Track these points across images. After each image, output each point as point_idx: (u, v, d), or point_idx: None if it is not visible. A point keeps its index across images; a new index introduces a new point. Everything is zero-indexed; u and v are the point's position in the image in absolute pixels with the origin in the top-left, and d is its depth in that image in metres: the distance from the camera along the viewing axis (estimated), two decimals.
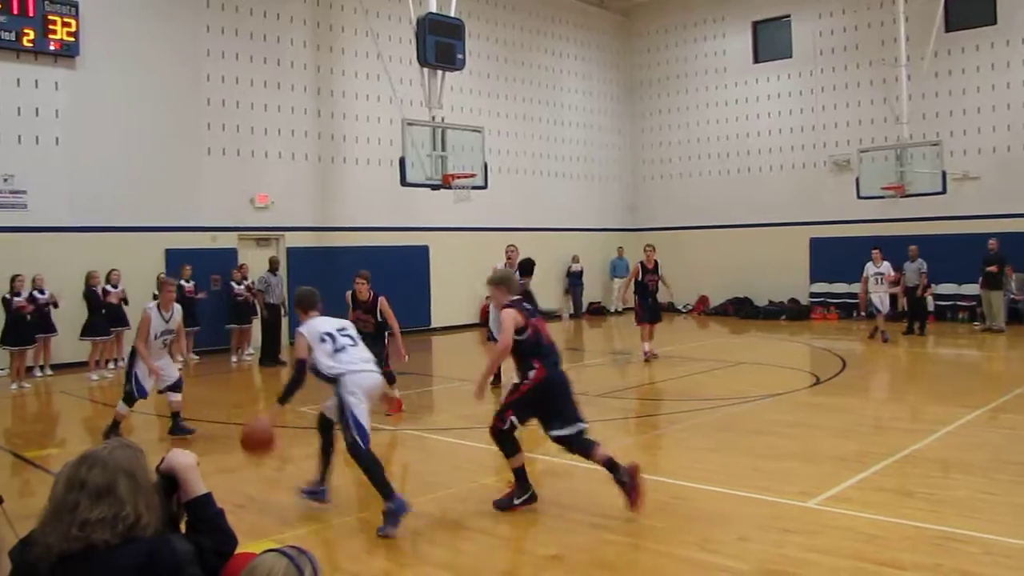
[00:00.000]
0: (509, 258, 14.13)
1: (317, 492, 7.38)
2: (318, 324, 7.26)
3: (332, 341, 7.13)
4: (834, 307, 23.68)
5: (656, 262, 16.46)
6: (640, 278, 16.43)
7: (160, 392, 10.63)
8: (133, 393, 10.24)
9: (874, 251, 19.10)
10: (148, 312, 10.34)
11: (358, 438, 6.76)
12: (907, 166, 21.06)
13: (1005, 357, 17.00)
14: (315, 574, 2.40)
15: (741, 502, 7.15)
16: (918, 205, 21.34)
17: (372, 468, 6.75)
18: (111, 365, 16.13)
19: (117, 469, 2.55)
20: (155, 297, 13.07)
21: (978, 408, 10.60)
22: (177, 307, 10.67)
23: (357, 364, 7.06)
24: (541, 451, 9.07)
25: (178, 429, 10.54)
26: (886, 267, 18.86)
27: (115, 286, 16.07)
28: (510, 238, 23.65)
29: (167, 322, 10.45)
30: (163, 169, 17.91)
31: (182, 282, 16.97)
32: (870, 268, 19.00)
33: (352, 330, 7.44)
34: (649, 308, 16.35)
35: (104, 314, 15.83)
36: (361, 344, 7.33)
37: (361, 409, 6.87)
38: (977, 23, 22.18)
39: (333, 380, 7.00)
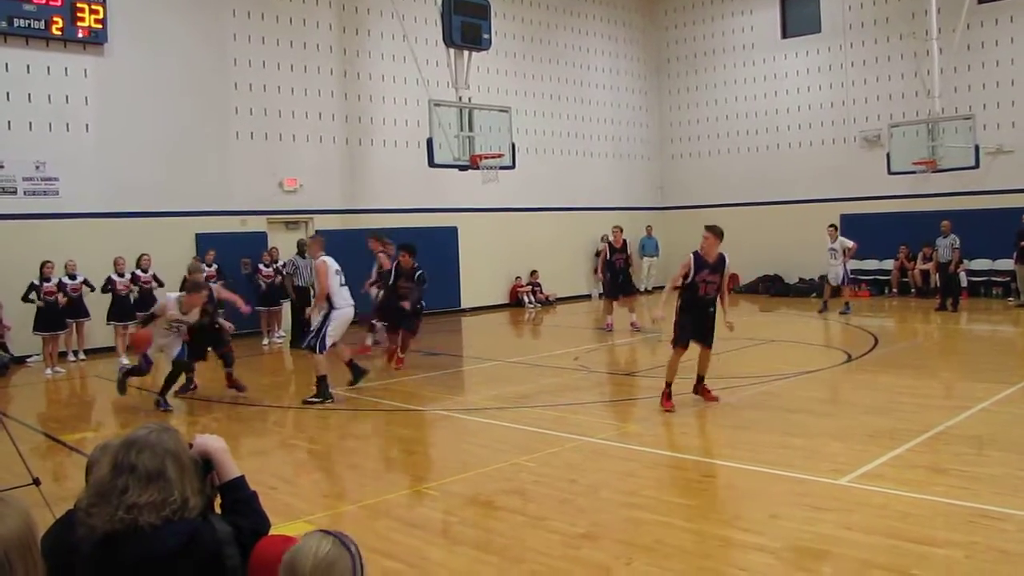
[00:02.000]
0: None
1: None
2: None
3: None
4: (865, 284, 23.48)
5: (624, 241, 17.55)
6: (609, 257, 17.38)
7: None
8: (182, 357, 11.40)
9: (828, 228, 20.02)
10: (168, 302, 11.22)
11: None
12: (939, 140, 20.77)
13: None
14: (359, 555, 2.42)
15: (772, 480, 7.13)
16: (950, 180, 21.07)
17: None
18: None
19: (165, 453, 2.58)
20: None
21: (1013, 385, 10.48)
22: (197, 310, 11.30)
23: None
24: (573, 431, 9.09)
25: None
26: (840, 243, 19.58)
27: (145, 271, 16.17)
28: (538, 218, 23.82)
29: (184, 314, 11.19)
30: (192, 154, 18.02)
31: (204, 266, 17.12)
32: (828, 243, 19.87)
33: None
34: (618, 284, 17.41)
35: (128, 299, 15.88)
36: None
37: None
38: None
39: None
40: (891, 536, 5.65)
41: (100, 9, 16.59)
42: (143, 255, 16.25)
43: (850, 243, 19.64)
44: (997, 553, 5.34)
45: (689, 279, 10.08)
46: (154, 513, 2.49)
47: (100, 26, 16.62)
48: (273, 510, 3.01)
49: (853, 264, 23.50)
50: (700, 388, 10.39)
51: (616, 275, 17.34)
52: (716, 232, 10.32)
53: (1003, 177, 21.29)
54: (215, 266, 17.27)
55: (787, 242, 24.60)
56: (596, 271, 20.41)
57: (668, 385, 9.98)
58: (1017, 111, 21.73)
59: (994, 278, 21.60)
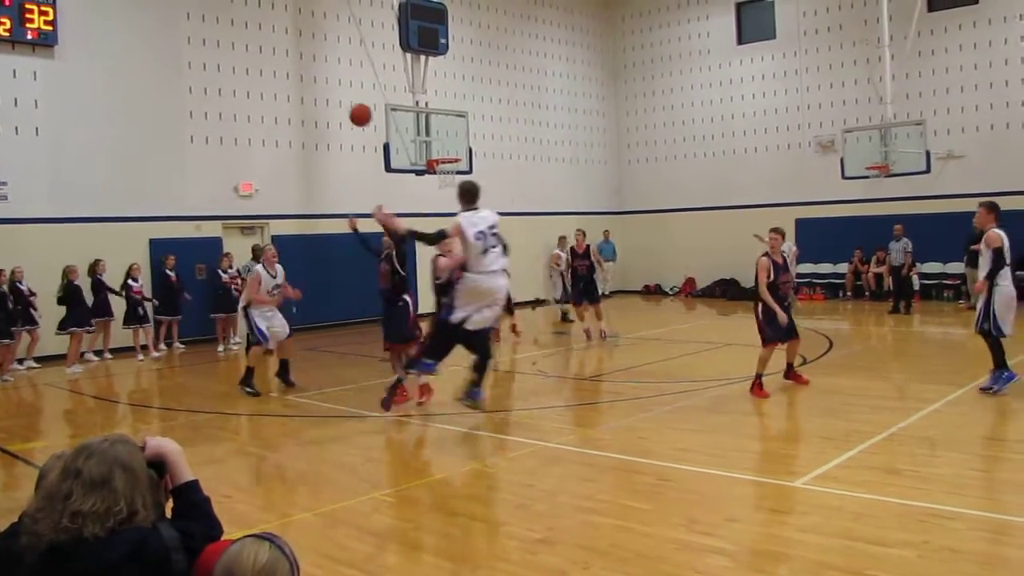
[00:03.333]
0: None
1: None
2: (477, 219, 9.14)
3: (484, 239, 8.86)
4: (820, 287, 23.75)
5: (587, 246, 17.34)
6: (572, 263, 17.43)
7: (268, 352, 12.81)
8: (258, 340, 12.12)
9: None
10: (257, 272, 12.38)
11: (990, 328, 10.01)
12: (891, 146, 21.08)
13: None
14: (293, 556, 2.39)
15: (729, 483, 7.17)
16: (903, 184, 21.38)
17: (994, 345, 10.14)
18: (93, 356, 16.03)
19: (114, 462, 2.53)
20: (255, 260, 15.62)
21: (962, 386, 10.63)
22: (279, 266, 12.50)
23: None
24: (531, 436, 9.08)
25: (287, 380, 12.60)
26: (788, 247, 19.43)
27: (99, 276, 15.97)
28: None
29: (274, 277, 12.28)
30: (146, 158, 17.78)
31: (167, 271, 16.97)
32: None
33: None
34: (582, 290, 17.09)
35: (92, 304, 15.73)
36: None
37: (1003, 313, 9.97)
38: (959, 3, 22.15)
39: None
40: (846, 537, 5.70)
41: (50, 11, 16.31)
42: (98, 260, 16.00)
43: (794, 248, 19.69)
44: (948, 552, 5.41)
45: (772, 280, 10.72)
46: (98, 523, 2.44)
47: (50, 28, 16.34)
48: (228, 519, 2.97)
49: (807, 268, 23.79)
50: (791, 374, 11.32)
51: (578, 281, 17.14)
52: (781, 232, 11.32)
53: (954, 182, 21.64)
54: (174, 272, 17.13)
55: (743, 246, 24.72)
56: (551, 276, 20.24)
57: (759, 376, 10.66)
58: (967, 117, 22.11)
59: (945, 281, 21.94)
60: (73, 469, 2.50)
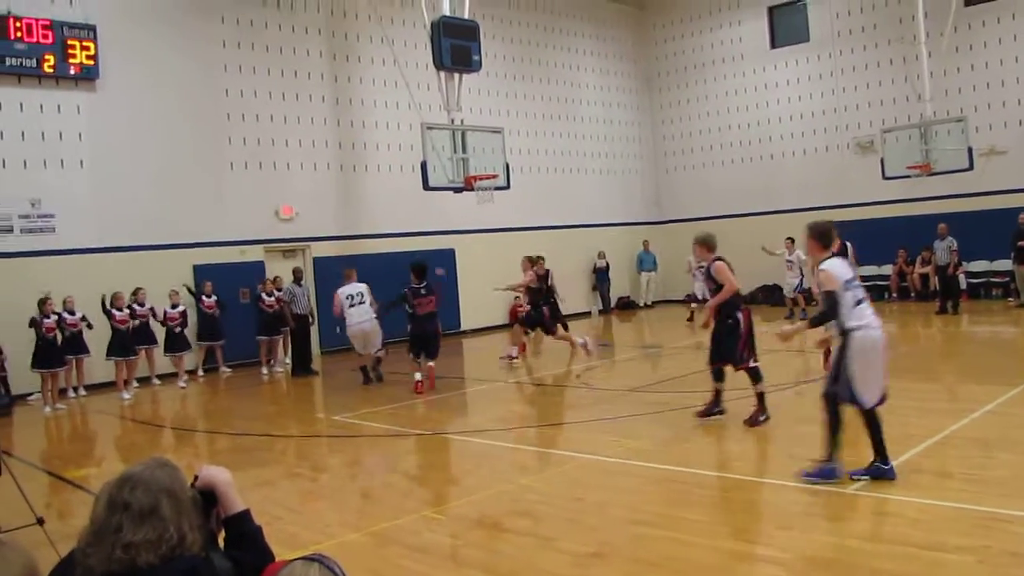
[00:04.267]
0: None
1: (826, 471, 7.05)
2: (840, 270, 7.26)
3: (853, 291, 7.13)
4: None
5: (547, 271, 16.67)
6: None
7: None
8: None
9: (785, 240, 20.59)
10: (338, 294, 15.02)
11: (839, 394, 6.96)
12: (932, 144, 20.84)
13: None
14: (344, 574, 2.39)
15: (780, 491, 7.09)
16: (945, 183, 21.10)
17: (832, 422, 7.02)
18: (135, 384, 16.14)
19: (160, 490, 2.54)
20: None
21: (1016, 386, 10.45)
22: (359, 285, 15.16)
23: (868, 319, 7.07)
24: (578, 449, 9.06)
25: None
26: (796, 256, 20.06)
27: (141, 304, 16.08)
28: (535, 237, 23.82)
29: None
30: (187, 185, 18.04)
31: (203, 297, 17.17)
32: (785, 255, 20.68)
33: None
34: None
35: (125, 334, 15.74)
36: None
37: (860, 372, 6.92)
38: None
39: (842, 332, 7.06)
40: (903, 543, 5.62)
41: (91, 45, 16.64)
42: (139, 289, 16.15)
43: (802, 256, 19.72)
44: (1010, 556, 5.30)
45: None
46: (151, 552, 2.45)
47: (92, 62, 16.66)
48: (279, 540, 2.99)
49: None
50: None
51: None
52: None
53: (997, 178, 21.32)
54: (215, 297, 17.30)
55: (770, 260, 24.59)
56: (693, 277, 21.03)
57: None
58: (1008, 111, 21.79)
59: (993, 279, 21.59)
60: (121, 501, 2.52)
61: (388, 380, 15.08)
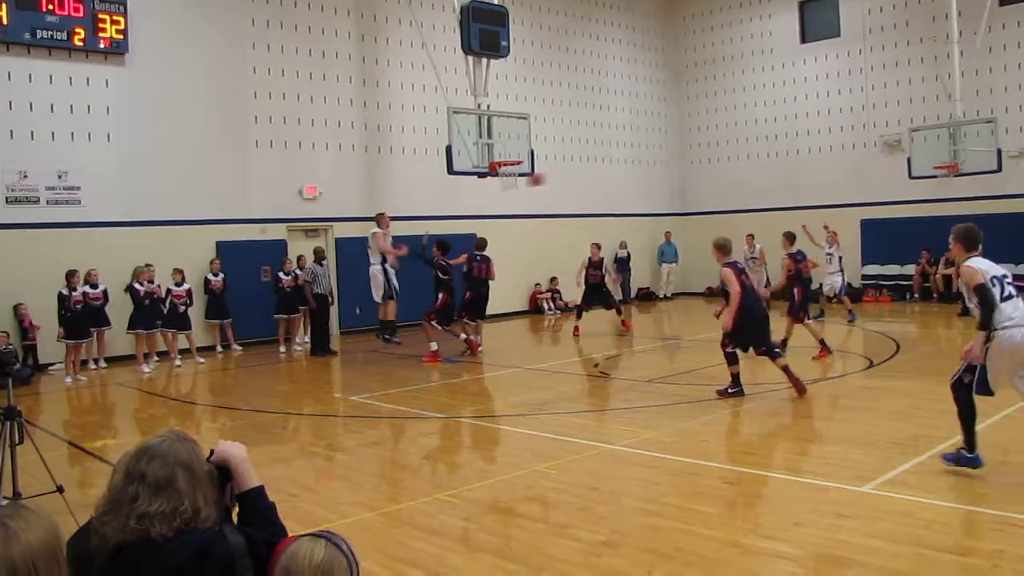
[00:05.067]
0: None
1: (968, 458, 7.09)
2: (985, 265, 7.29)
3: (1000, 286, 7.17)
4: (887, 289, 23.33)
5: (602, 258, 19.10)
6: (585, 271, 19.06)
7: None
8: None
9: (829, 232, 20.01)
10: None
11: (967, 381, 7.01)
12: (960, 144, 20.64)
13: None
14: (351, 551, 2.40)
15: (794, 487, 7.08)
16: (972, 184, 20.90)
17: (964, 412, 7.05)
18: (156, 358, 16.17)
19: (176, 462, 2.57)
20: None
21: None
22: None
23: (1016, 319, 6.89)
24: (594, 438, 9.07)
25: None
26: (835, 250, 19.57)
27: (151, 281, 15.97)
28: (558, 224, 23.81)
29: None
30: (212, 162, 18.14)
31: (209, 275, 17.27)
32: (745, 252, 20.72)
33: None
34: (590, 298, 18.94)
35: (148, 307, 15.82)
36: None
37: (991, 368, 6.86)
38: None
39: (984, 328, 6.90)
40: (917, 544, 5.60)
41: (121, 20, 16.72)
42: (147, 265, 16.03)
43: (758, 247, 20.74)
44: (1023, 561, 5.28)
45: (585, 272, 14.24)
46: (165, 523, 2.48)
47: (121, 36, 16.76)
48: (293, 517, 3.02)
49: (874, 269, 23.40)
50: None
51: (594, 289, 18.97)
52: (597, 246, 16.39)
53: None
54: (222, 275, 17.43)
55: (808, 247, 24.41)
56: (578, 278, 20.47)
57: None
58: None
59: (1019, 283, 21.36)
60: (137, 472, 2.55)
61: (406, 364, 15.14)
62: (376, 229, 16.27)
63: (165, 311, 16.18)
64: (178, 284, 16.55)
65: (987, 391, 6.96)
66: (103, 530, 2.50)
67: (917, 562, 5.32)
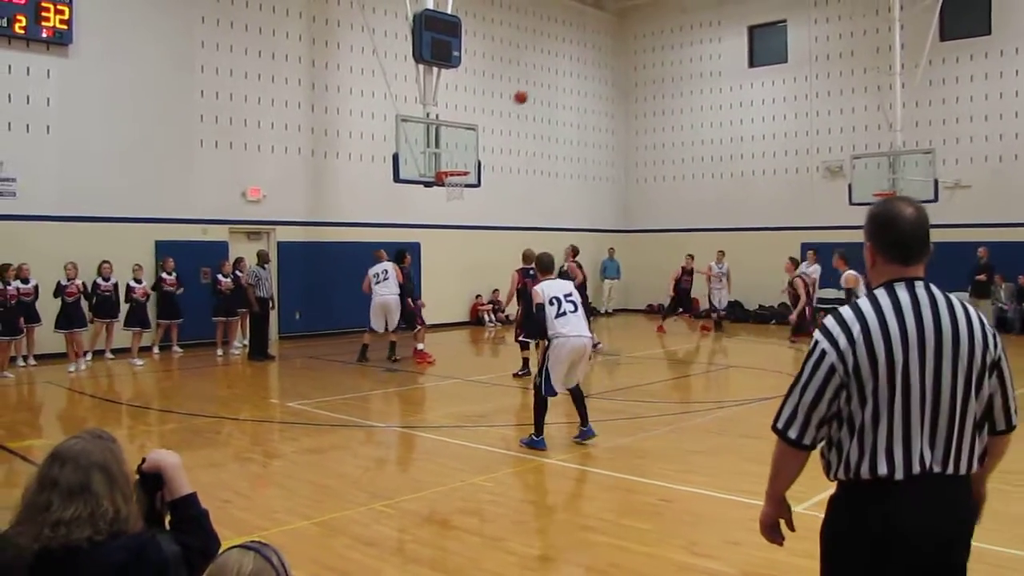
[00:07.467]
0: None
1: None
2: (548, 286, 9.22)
3: (557, 306, 8.91)
4: (823, 312, 23.67)
5: (585, 278, 18.27)
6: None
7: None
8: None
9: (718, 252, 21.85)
10: (368, 273, 16.08)
11: (542, 385, 8.87)
12: (899, 173, 21.10)
13: None
14: (282, 564, 2.34)
15: (730, 505, 7.13)
16: None
17: (539, 408, 8.97)
18: (88, 356, 15.83)
19: (90, 465, 2.50)
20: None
21: None
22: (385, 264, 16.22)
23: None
24: (532, 452, 9.06)
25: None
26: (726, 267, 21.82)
27: (106, 279, 15.92)
28: (502, 236, 23.80)
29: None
30: (155, 160, 17.81)
31: (163, 275, 16.94)
32: (713, 267, 21.94)
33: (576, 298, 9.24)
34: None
35: (78, 306, 15.57)
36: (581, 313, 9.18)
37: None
38: (972, 33, 22.20)
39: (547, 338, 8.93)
40: None
41: (66, 10, 16.37)
42: (104, 262, 15.95)
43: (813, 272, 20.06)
44: None
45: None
46: (86, 527, 2.41)
47: (65, 27, 16.40)
48: (226, 524, 2.95)
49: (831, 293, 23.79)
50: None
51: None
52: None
53: (960, 211, 21.58)
54: (174, 274, 17.07)
55: (748, 269, 24.73)
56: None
57: None
58: (976, 147, 22.13)
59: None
60: (49, 479, 2.47)
61: (345, 371, 15.01)
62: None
63: (90, 306, 15.90)
64: (138, 281, 16.35)
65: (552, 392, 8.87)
66: (18, 540, 2.42)
67: None
